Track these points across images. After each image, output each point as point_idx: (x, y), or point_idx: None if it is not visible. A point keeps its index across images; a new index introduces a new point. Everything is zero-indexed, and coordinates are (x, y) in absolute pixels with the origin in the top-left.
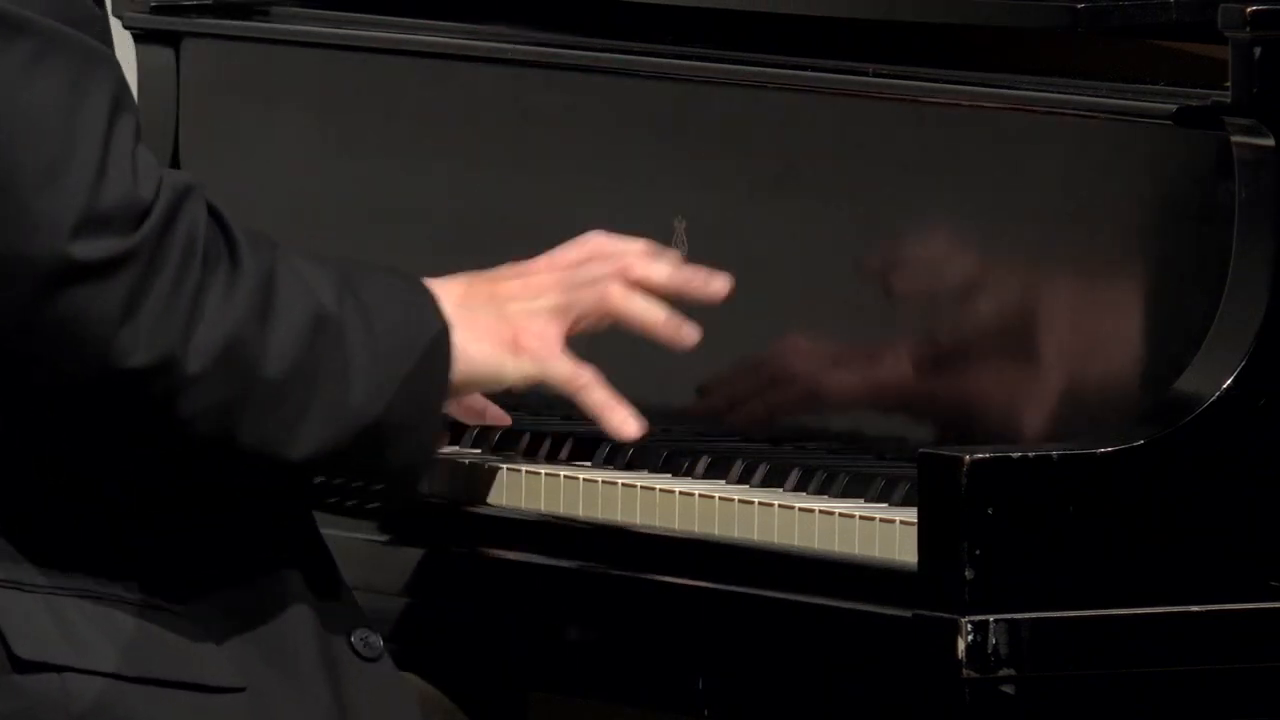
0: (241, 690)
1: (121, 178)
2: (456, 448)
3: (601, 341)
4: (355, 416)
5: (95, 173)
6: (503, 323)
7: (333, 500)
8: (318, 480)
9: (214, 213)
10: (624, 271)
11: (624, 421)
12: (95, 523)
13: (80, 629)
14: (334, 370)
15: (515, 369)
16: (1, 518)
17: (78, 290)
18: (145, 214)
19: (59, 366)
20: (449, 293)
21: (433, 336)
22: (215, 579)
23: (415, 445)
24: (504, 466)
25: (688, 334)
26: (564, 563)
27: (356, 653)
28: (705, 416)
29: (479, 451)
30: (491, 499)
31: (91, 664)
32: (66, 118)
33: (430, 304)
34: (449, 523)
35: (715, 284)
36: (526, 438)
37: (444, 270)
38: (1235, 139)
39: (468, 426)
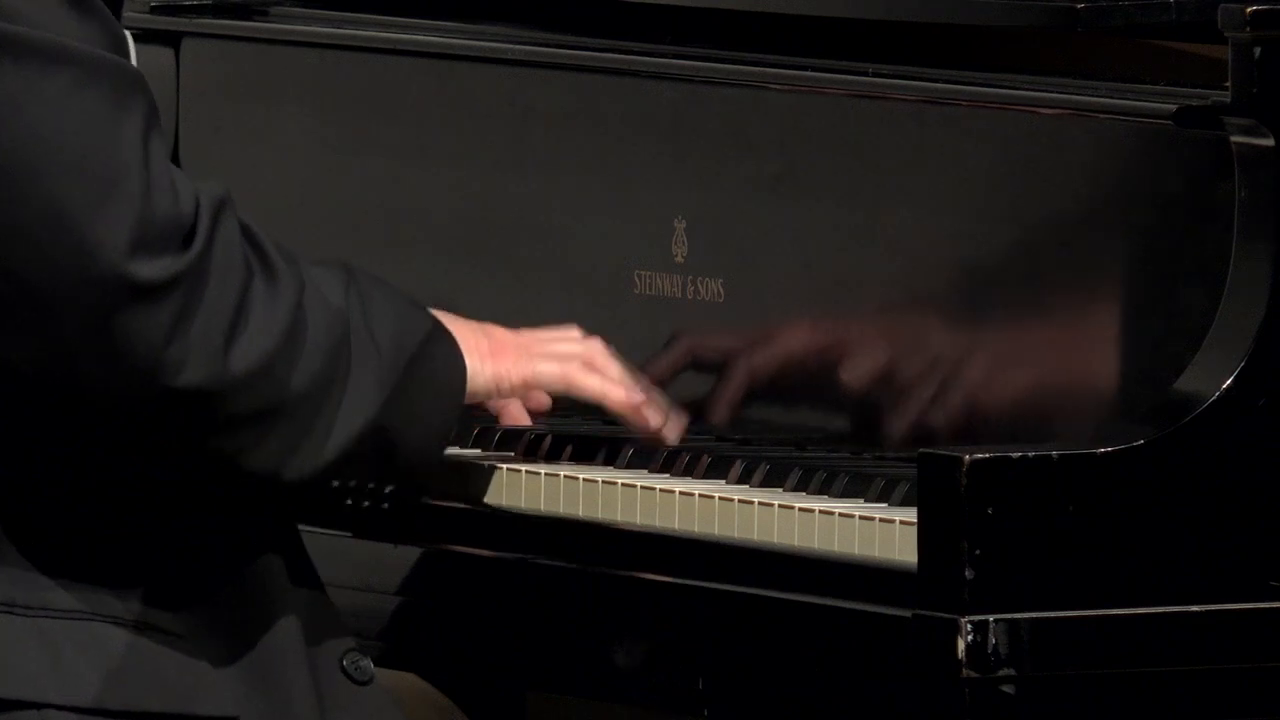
0: (234, 719)
1: (164, 197)
2: (457, 448)
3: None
4: (366, 419)
5: (142, 195)
6: (483, 337)
7: (345, 503)
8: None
9: (243, 226)
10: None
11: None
12: (93, 541)
13: (68, 658)
14: (347, 377)
15: (503, 374)
16: (9, 538)
17: (131, 311)
18: (191, 231)
19: (108, 386)
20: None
21: (428, 332)
22: (212, 602)
23: (422, 440)
24: (503, 466)
25: (669, 432)
26: (564, 563)
27: (349, 676)
28: (705, 417)
29: (479, 451)
30: (491, 499)
31: (74, 698)
32: (112, 143)
33: (421, 308)
34: (449, 523)
35: (669, 433)
36: (527, 437)
37: (445, 271)
38: (1235, 139)
39: (469, 426)
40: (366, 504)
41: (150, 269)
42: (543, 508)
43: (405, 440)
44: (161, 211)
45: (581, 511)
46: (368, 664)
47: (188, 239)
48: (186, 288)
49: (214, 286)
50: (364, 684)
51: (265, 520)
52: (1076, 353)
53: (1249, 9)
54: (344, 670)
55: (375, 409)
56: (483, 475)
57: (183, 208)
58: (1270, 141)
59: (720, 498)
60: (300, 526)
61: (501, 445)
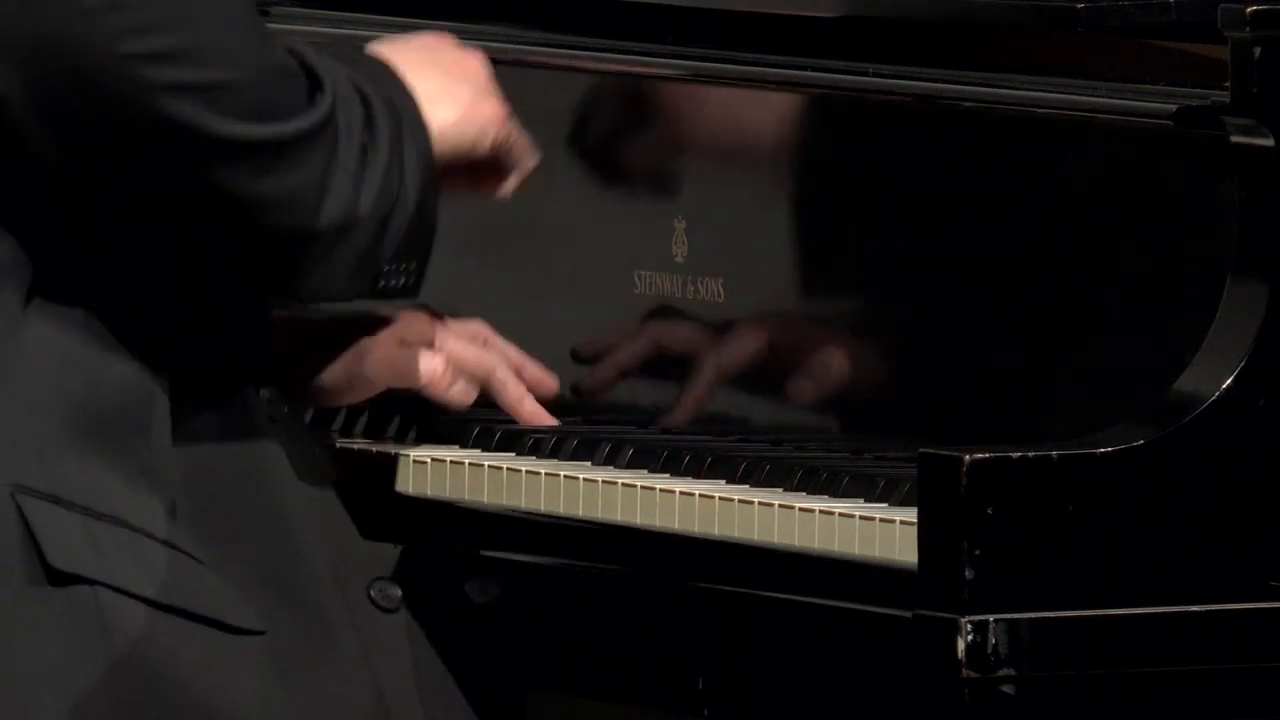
0: (260, 634)
1: (282, 53)
2: (457, 448)
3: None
4: (403, 200)
5: (278, 51)
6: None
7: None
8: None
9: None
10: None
11: None
12: (132, 458)
13: (112, 553)
14: (404, 170)
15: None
16: (53, 436)
17: (300, 156)
18: (318, 82)
19: (263, 234)
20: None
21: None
22: (238, 530)
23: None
24: (504, 466)
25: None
26: (564, 563)
27: (375, 604)
28: (706, 416)
29: (479, 451)
30: (491, 498)
31: (124, 584)
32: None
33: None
34: (448, 522)
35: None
36: (529, 437)
37: (445, 271)
38: (1235, 139)
39: (466, 425)
40: (393, 283)
41: (306, 121)
42: (543, 507)
43: (420, 201)
44: (289, 65)
45: (582, 511)
46: (395, 591)
47: (315, 86)
48: (330, 131)
49: (345, 129)
50: (391, 611)
51: (293, 453)
52: (1076, 353)
53: (1249, 9)
54: (371, 599)
55: (418, 190)
56: (483, 475)
57: (290, 60)
58: (1270, 141)
59: (720, 498)
60: None
61: (502, 445)
